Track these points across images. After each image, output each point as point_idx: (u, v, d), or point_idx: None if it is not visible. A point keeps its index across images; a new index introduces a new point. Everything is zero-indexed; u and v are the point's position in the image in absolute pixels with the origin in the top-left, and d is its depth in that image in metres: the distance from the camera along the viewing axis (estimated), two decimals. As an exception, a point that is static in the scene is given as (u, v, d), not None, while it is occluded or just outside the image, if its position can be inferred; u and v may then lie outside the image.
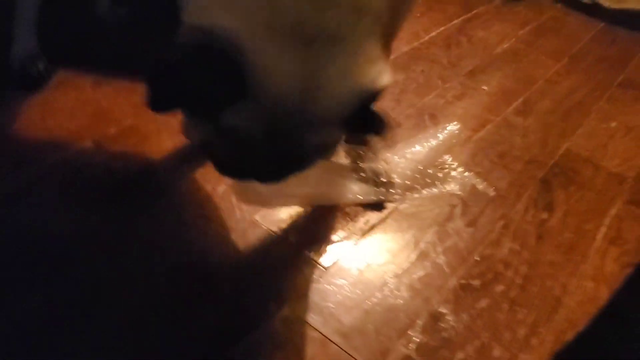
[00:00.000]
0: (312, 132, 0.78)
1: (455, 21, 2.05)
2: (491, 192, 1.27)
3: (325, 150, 0.85)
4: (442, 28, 1.97)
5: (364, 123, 0.82)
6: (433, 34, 1.92)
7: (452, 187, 1.25)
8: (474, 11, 2.18)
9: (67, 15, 1.45)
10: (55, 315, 0.89)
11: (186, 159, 1.20)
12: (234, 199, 1.13)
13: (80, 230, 1.01)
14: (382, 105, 1.34)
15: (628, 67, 2.02)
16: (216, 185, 1.16)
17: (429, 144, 1.30)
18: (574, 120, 1.64)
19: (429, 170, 1.25)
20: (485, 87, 1.70)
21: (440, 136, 1.33)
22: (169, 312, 0.93)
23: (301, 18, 0.69)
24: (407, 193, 1.22)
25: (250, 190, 1.09)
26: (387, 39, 0.83)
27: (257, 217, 1.11)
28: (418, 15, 2.00)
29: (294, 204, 1.14)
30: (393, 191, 1.20)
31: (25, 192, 1.07)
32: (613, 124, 1.67)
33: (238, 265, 1.03)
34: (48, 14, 1.33)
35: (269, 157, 0.81)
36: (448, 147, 1.33)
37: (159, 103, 0.74)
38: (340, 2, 0.72)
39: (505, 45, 1.98)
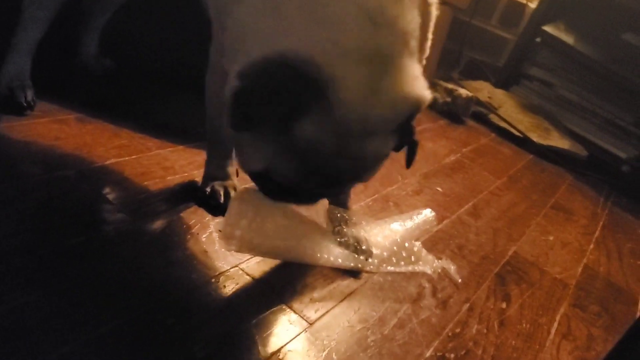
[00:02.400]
0: (372, 139, 0.86)
1: (407, 131, 2.19)
2: (459, 278, 1.32)
3: (380, 161, 0.93)
4: (397, 134, 2.10)
5: (405, 137, 0.94)
6: (390, 137, 2.03)
7: (424, 267, 1.28)
8: (423, 126, 2.35)
9: (56, 53, 1.43)
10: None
11: (171, 202, 1.18)
12: (218, 245, 1.11)
13: (57, 250, 0.95)
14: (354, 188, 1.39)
15: (556, 194, 2.21)
16: (201, 230, 1.13)
17: (405, 223, 1.34)
18: (518, 229, 1.75)
19: (405, 245, 1.28)
20: (439, 189, 1.80)
21: (416, 219, 1.38)
22: (144, 351, 0.87)
23: (362, 41, 0.82)
24: (382, 265, 1.24)
25: (235, 238, 1.07)
26: (420, 61, 0.95)
27: (243, 266, 1.09)
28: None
29: (274, 256, 1.13)
30: (370, 260, 1.22)
31: (4, 204, 1.00)
32: (551, 238, 1.80)
33: (220, 310, 0.99)
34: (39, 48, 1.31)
35: (336, 168, 0.86)
36: (421, 231, 1.38)
37: (240, 124, 0.84)
38: (392, 26, 0.84)
39: (452, 158, 2.13)
